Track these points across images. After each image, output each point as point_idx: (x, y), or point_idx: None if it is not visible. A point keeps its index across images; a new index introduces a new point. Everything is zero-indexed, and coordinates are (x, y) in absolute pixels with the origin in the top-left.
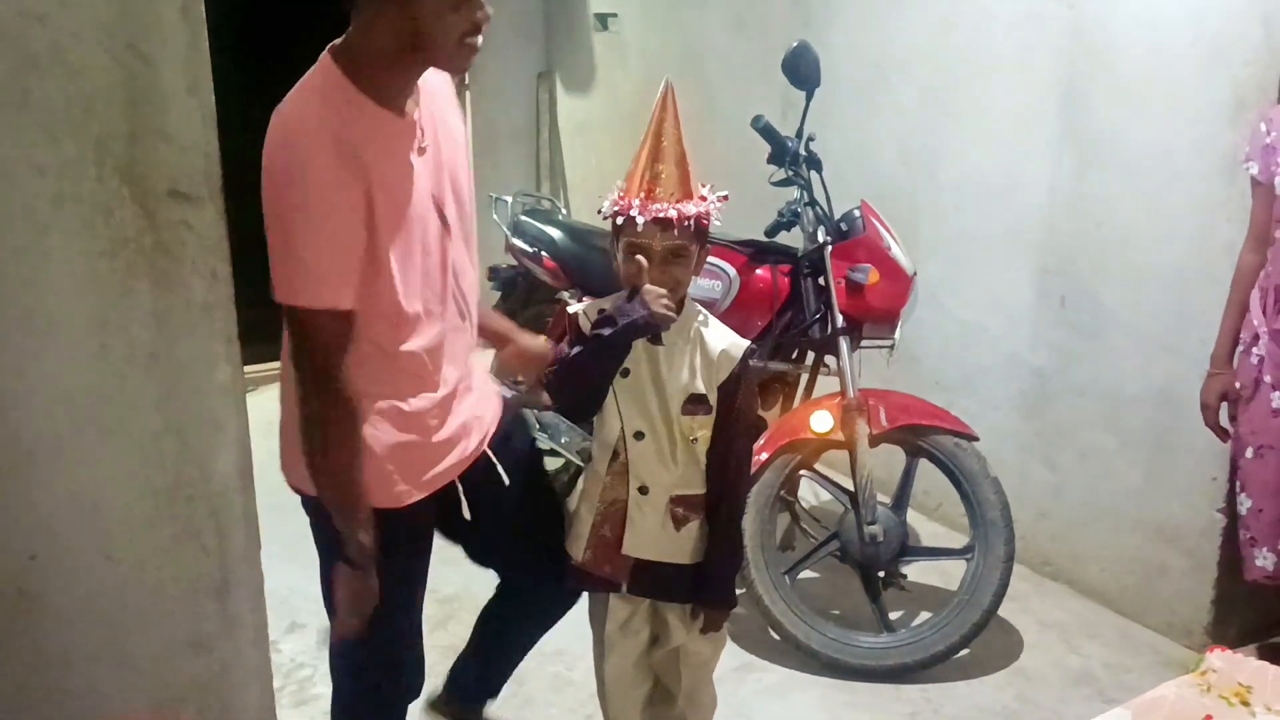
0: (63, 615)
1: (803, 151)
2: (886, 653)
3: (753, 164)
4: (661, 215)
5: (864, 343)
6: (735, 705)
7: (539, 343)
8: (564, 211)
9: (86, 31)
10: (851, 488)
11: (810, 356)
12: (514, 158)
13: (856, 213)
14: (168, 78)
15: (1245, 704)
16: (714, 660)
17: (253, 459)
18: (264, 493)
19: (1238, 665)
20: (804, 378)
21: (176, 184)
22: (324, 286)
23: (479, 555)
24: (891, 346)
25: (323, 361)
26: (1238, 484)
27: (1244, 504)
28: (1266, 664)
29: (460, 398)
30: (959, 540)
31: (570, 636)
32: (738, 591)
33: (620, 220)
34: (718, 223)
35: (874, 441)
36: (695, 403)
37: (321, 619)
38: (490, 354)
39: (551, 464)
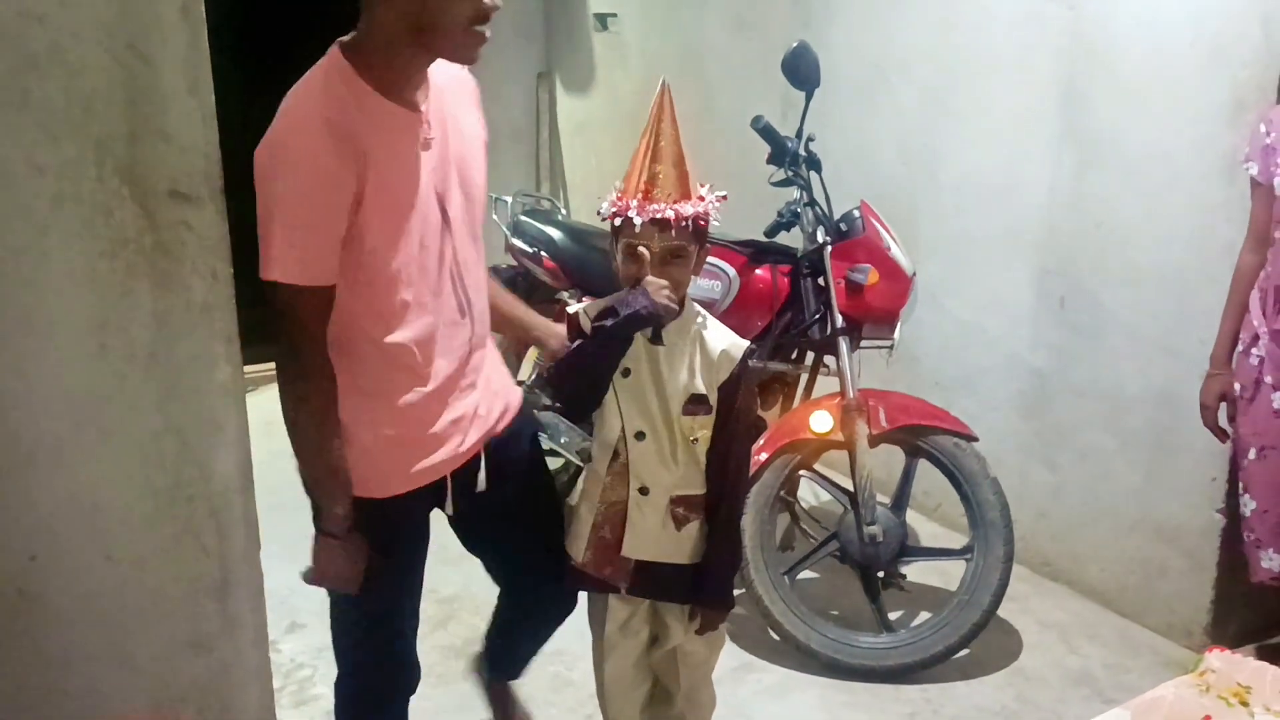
0: (63, 615)
1: (802, 152)
2: (886, 653)
3: (752, 164)
4: (659, 216)
5: (863, 343)
6: (734, 705)
7: (559, 332)
8: (564, 211)
9: (86, 31)
10: (851, 488)
11: (810, 357)
12: (514, 158)
13: (856, 213)
14: (168, 78)
15: (1244, 704)
16: (712, 660)
17: (252, 459)
18: (264, 493)
19: (1237, 666)
20: (804, 378)
21: (176, 184)
22: (299, 263)
23: (476, 551)
24: (891, 347)
25: (297, 336)
26: (1240, 485)
27: (1248, 505)
28: (1265, 664)
29: (456, 393)
30: (958, 540)
31: (570, 636)
32: (737, 592)
33: (618, 221)
34: (716, 222)
35: (873, 442)
36: (696, 403)
37: (322, 620)
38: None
39: (551, 464)
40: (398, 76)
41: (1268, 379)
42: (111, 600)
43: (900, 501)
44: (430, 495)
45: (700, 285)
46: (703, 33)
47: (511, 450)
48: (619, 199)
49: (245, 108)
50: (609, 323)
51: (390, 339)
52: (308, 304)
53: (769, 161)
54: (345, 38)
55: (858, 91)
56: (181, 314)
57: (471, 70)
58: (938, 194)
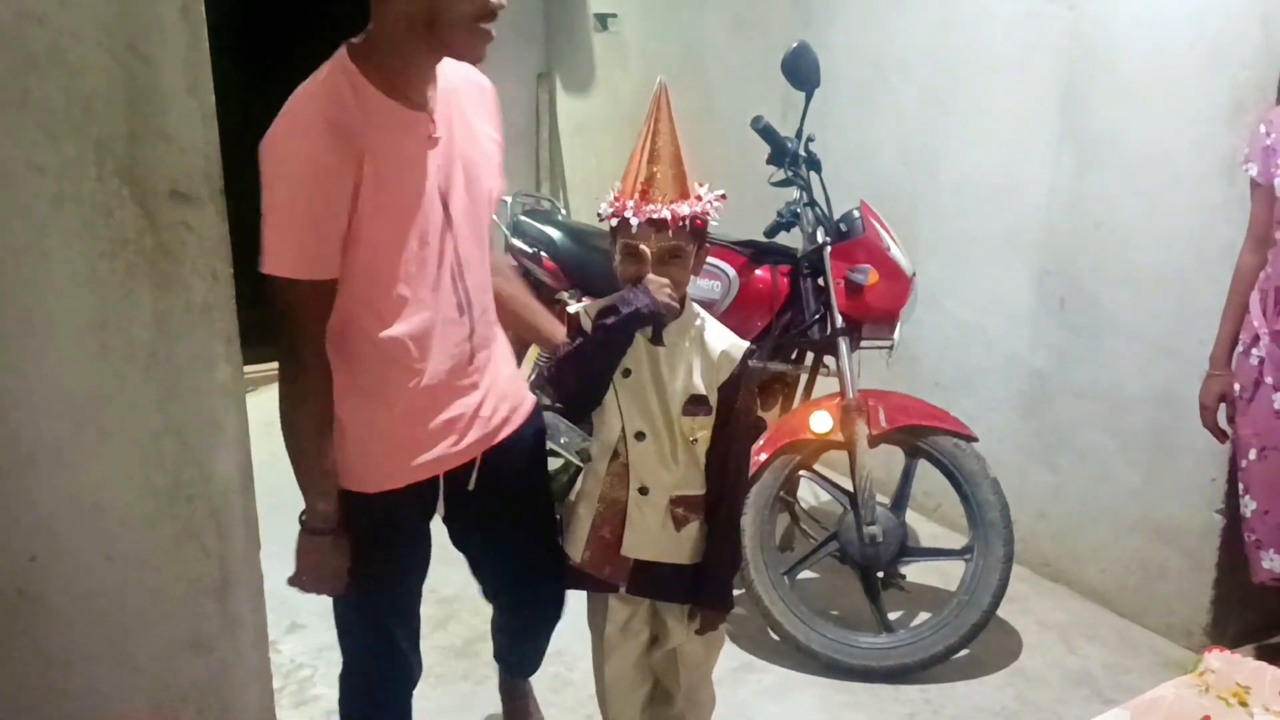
0: (63, 616)
1: (802, 152)
2: (886, 653)
3: (752, 164)
4: (655, 216)
5: (863, 343)
6: (734, 705)
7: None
8: (564, 212)
9: (86, 32)
10: (851, 488)
11: (810, 357)
12: (514, 158)
13: (856, 213)
14: (168, 78)
15: (1244, 704)
16: (712, 660)
17: (253, 459)
18: (264, 493)
19: (1236, 666)
20: (803, 378)
21: (176, 184)
22: (297, 258)
23: (464, 550)
24: (891, 347)
25: (295, 331)
26: (1240, 486)
27: (1249, 506)
28: (1265, 664)
29: (455, 392)
30: (958, 541)
31: (570, 637)
32: (737, 592)
33: (615, 222)
34: (715, 222)
35: (873, 442)
36: (696, 403)
37: (322, 620)
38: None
39: (551, 464)
40: (403, 75)
41: (1268, 379)
42: (111, 600)
43: (900, 502)
44: (429, 492)
45: (700, 285)
46: (703, 33)
47: (512, 452)
48: (616, 199)
49: (245, 108)
50: (610, 320)
51: (386, 334)
52: (305, 298)
53: (769, 162)
54: (355, 39)
55: (858, 92)
56: (182, 314)
57: None
58: (937, 194)
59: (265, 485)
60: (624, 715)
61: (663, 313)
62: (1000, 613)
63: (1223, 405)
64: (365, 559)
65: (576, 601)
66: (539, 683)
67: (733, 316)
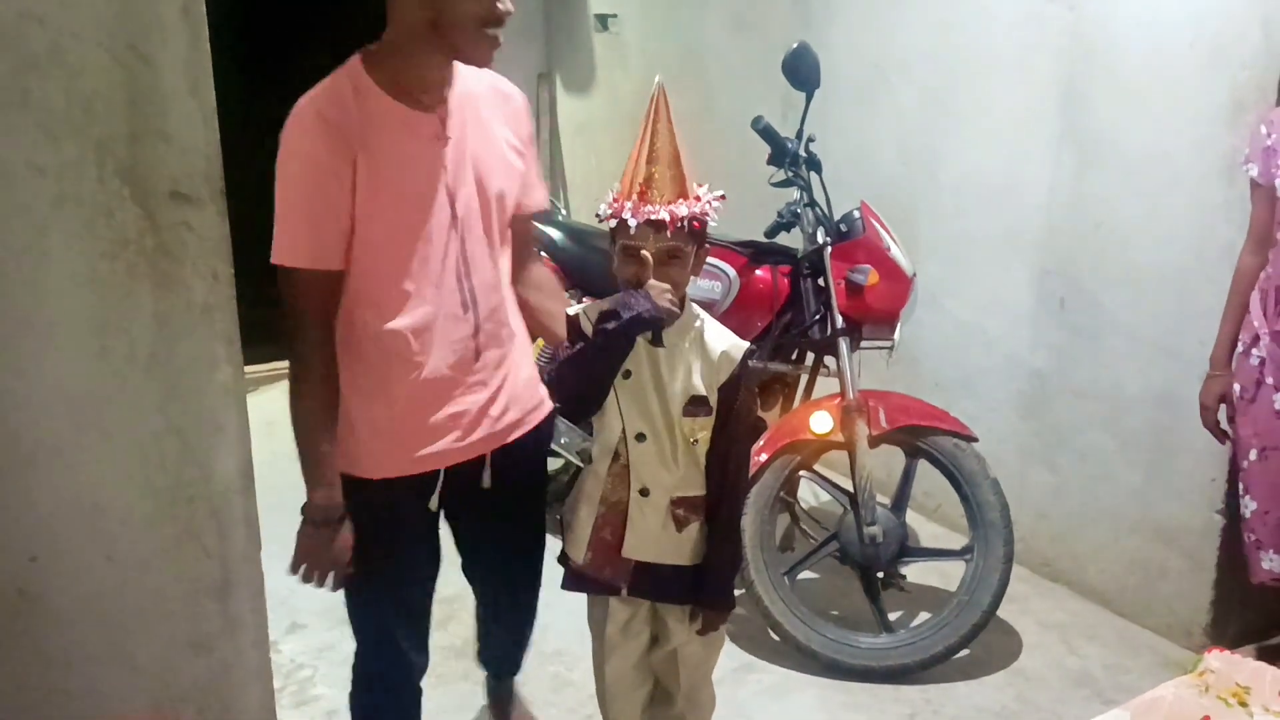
0: (64, 616)
1: (802, 152)
2: (886, 653)
3: (752, 165)
4: (654, 217)
5: (863, 344)
6: (735, 706)
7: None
8: (564, 212)
9: (87, 32)
10: (851, 489)
11: (810, 357)
12: None
13: (856, 214)
14: (168, 79)
15: (1243, 705)
16: (713, 661)
17: (253, 460)
18: (265, 493)
19: (1236, 666)
20: (804, 379)
21: (177, 185)
22: (296, 247)
23: (463, 547)
24: (891, 348)
25: (298, 320)
26: (1240, 486)
27: (1248, 507)
28: (1265, 665)
29: (459, 388)
30: (958, 541)
31: (570, 637)
32: (738, 592)
33: (614, 223)
34: (714, 223)
35: (873, 442)
36: (696, 404)
37: (322, 620)
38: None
39: (550, 464)
40: (412, 78)
41: (1268, 380)
42: (112, 601)
43: (900, 502)
44: (432, 486)
45: (700, 286)
46: (703, 33)
47: (521, 454)
48: (615, 201)
49: (246, 108)
50: (611, 325)
51: (386, 327)
52: (307, 287)
53: (769, 162)
54: (371, 45)
55: (858, 92)
56: (182, 315)
57: None
58: (937, 194)
59: (266, 485)
60: (624, 715)
61: (664, 318)
62: (1000, 613)
63: (1223, 406)
64: (367, 548)
65: (577, 602)
66: (539, 683)
67: (733, 317)
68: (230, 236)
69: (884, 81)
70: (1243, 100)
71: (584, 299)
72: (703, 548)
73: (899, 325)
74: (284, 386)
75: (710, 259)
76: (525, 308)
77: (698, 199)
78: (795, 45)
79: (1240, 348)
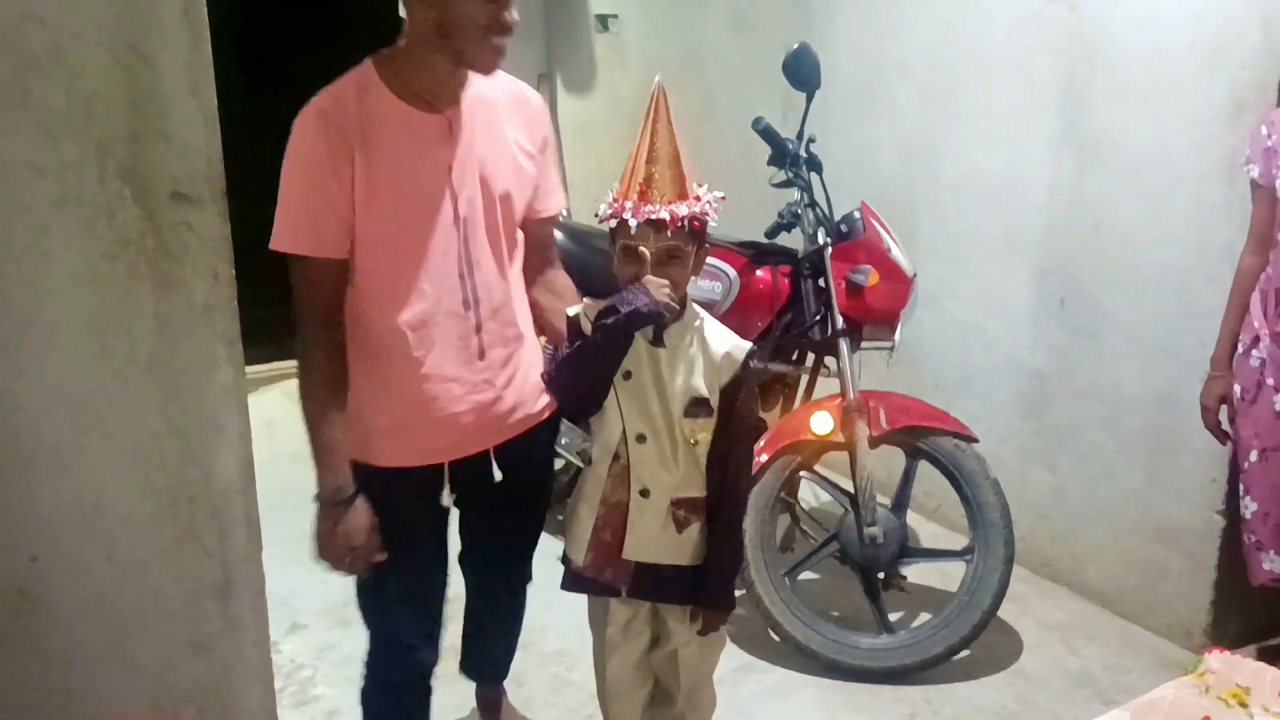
0: (64, 616)
1: (803, 153)
2: (886, 654)
3: (753, 165)
4: (654, 217)
5: (864, 344)
6: (735, 706)
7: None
8: (564, 212)
9: (87, 33)
10: (851, 489)
11: (810, 358)
12: None
13: (856, 214)
14: (169, 79)
15: (1243, 705)
16: (713, 661)
17: (254, 460)
18: (265, 494)
19: (1236, 667)
20: (804, 379)
21: (178, 185)
22: (293, 234)
23: (467, 539)
24: (891, 348)
25: (301, 305)
26: (1241, 488)
27: (1249, 508)
28: (1265, 665)
29: (462, 385)
30: (959, 542)
31: (570, 638)
32: (738, 593)
33: (614, 222)
34: (714, 222)
35: (874, 443)
36: (697, 406)
37: (322, 620)
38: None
39: None
40: (419, 80)
41: (1269, 381)
42: (113, 601)
43: (900, 502)
44: (438, 479)
45: (701, 286)
46: (703, 34)
47: (527, 449)
48: (615, 201)
49: (247, 109)
50: (609, 321)
51: (386, 322)
52: (307, 274)
53: (770, 163)
54: (386, 48)
55: (858, 93)
56: (183, 315)
57: None
58: (938, 195)
59: (266, 485)
60: (625, 716)
61: (662, 312)
62: (1001, 613)
63: (1224, 406)
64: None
65: (576, 602)
66: (540, 683)
67: (733, 317)
68: (231, 237)
69: (884, 82)
70: (1243, 101)
71: (584, 299)
72: (703, 548)
73: (899, 326)
74: (284, 387)
75: (711, 259)
76: (536, 309)
77: (697, 199)
78: (795, 46)
79: (1241, 349)
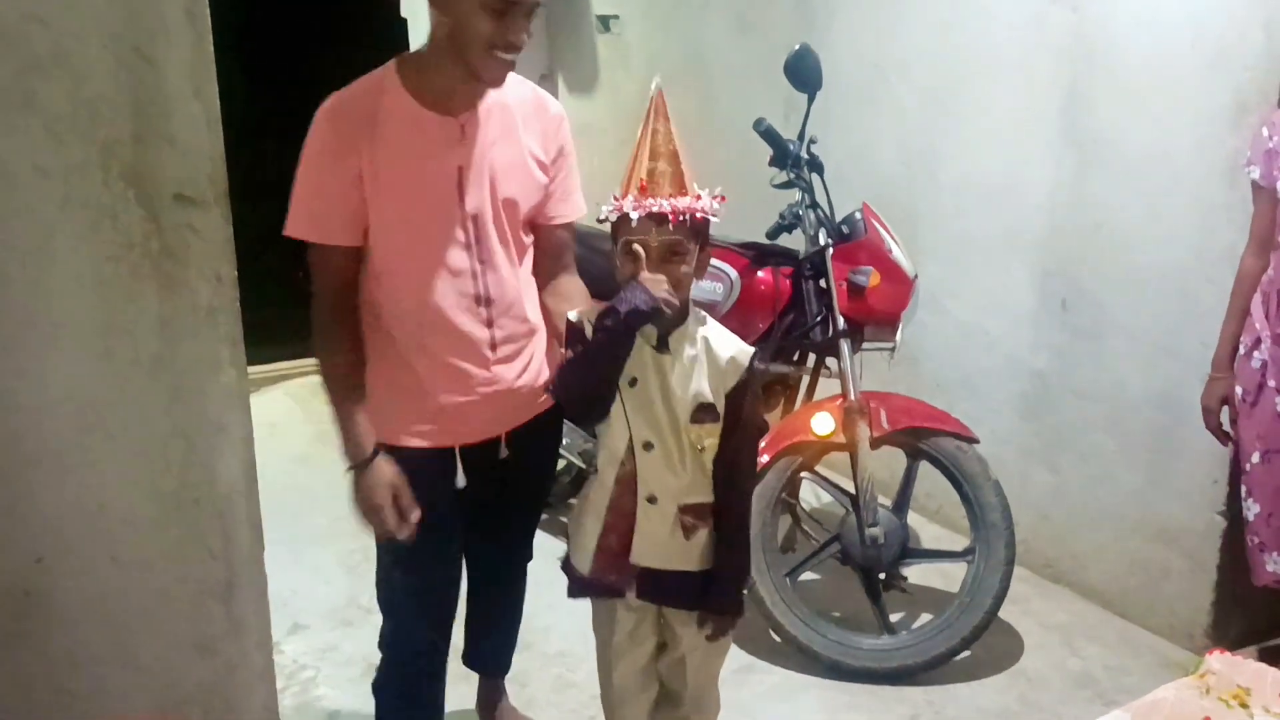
0: (69, 617)
1: (804, 154)
2: (888, 655)
3: (754, 166)
4: (656, 210)
5: (865, 345)
6: (737, 707)
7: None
8: None
9: (91, 35)
10: (853, 490)
11: (811, 359)
12: None
13: (858, 215)
14: (173, 81)
15: (1244, 706)
16: (719, 664)
17: (257, 462)
18: (268, 495)
19: (1237, 667)
20: (805, 380)
21: (182, 188)
22: (304, 221)
23: (475, 527)
24: (892, 349)
25: (315, 288)
26: (1243, 490)
27: (1251, 510)
28: (1266, 666)
29: (473, 379)
30: (960, 542)
31: (573, 639)
32: None
33: (615, 218)
34: (715, 220)
35: (875, 444)
36: (704, 412)
37: (324, 621)
38: None
39: None
40: (434, 84)
41: (1271, 383)
42: (117, 602)
43: (902, 503)
44: (450, 463)
45: (702, 287)
46: (705, 35)
47: (530, 431)
48: (617, 200)
49: (249, 111)
50: (609, 321)
51: (399, 310)
52: (319, 259)
53: (771, 164)
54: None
55: (859, 93)
56: (186, 317)
57: None
58: (939, 196)
59: (269, 487)
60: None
61: (661, 309)
62: (1002, 614)
63: (1225, 408)
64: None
65: (580, 603)
66: (542, 684)
67: (735, 318)
68: (234, 239)
69: (885, 83)
70: (1244, 102)
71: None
72: (710, 553)
73: (900, 326)
74: (286, 388)
75: (712, 260)
76: (547, 314)
77: (698, 198)
78: (797, 47)
79: (1242, 350)
